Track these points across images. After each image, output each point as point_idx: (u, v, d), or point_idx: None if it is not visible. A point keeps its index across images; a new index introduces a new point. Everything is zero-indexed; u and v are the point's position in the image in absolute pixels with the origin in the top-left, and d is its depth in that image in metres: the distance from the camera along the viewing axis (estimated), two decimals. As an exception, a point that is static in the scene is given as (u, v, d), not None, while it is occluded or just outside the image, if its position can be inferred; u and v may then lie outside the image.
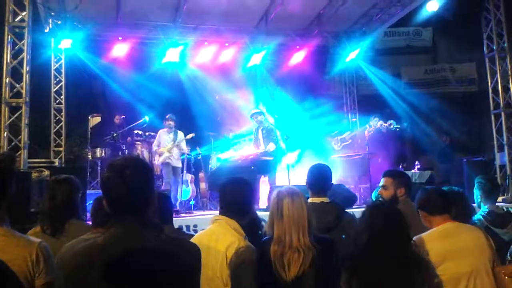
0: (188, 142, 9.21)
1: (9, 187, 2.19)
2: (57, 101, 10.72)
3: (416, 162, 9.99)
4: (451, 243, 2.80)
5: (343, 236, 3.15)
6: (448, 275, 2.72)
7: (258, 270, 2.56)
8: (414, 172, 9.38)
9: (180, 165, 9.10)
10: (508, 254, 2.99)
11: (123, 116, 10.25)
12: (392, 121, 9.38)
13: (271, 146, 8.36)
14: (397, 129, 9.48)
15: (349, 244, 2.99)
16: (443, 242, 2.81)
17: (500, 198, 5.50)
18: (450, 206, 3.02)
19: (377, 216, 2.58)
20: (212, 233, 2.70)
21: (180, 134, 9.08)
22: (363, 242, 2.52)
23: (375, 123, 9.54)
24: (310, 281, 2.57)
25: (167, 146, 8.93)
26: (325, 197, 3.47)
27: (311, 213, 2.74)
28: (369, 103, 12.97)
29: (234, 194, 2.78)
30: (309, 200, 3.45)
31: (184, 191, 9.14)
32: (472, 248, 2.80)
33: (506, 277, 2.73)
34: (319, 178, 3.55)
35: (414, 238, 2.74)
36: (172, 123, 9.02)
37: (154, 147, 9.23)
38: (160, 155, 8.95)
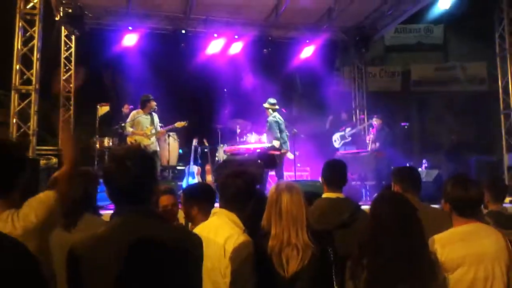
0: (195, 134, 9.11)
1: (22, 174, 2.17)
2: (66, 90, 10.77)
3: (424, 161, 9.95)
4: (470, 247, 2.66)
5: None
6: (463, 280, 2.61)
7: (255, 264, 2.53)
8: (422, 170, 9.33)
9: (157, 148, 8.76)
10: None
11: (131, 106, 10.25)
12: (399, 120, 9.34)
13: (276, 143, 8.27)
14: (405, 127, 9.44)
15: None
16: (462, 245, 2.67)
17: (507, 199, 5.48)
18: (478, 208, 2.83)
19: (382, 203, 2.55)
20: (211, 226, 2.67)
21: (155, 116, 8.76)
22: (369, 232, 2.47)
23: (378, 122, 9.45)
24: (308, 277, 2.54)
25: (146, 131, 8.59)
26: (340, 193, 3.45)
27: (309, 209, 2.70)
28: (378, 99, 12.90)
29: (233, 187, 2.73)
30: (324, 195, 3.46)
31: (191, 183, 9.15)
32: (491, 253, 2.67)
33: None
34: (336, 174, 3.54)
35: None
36: (154, 105, 8.61)
37: (129, 130, 8.77)
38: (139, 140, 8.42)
